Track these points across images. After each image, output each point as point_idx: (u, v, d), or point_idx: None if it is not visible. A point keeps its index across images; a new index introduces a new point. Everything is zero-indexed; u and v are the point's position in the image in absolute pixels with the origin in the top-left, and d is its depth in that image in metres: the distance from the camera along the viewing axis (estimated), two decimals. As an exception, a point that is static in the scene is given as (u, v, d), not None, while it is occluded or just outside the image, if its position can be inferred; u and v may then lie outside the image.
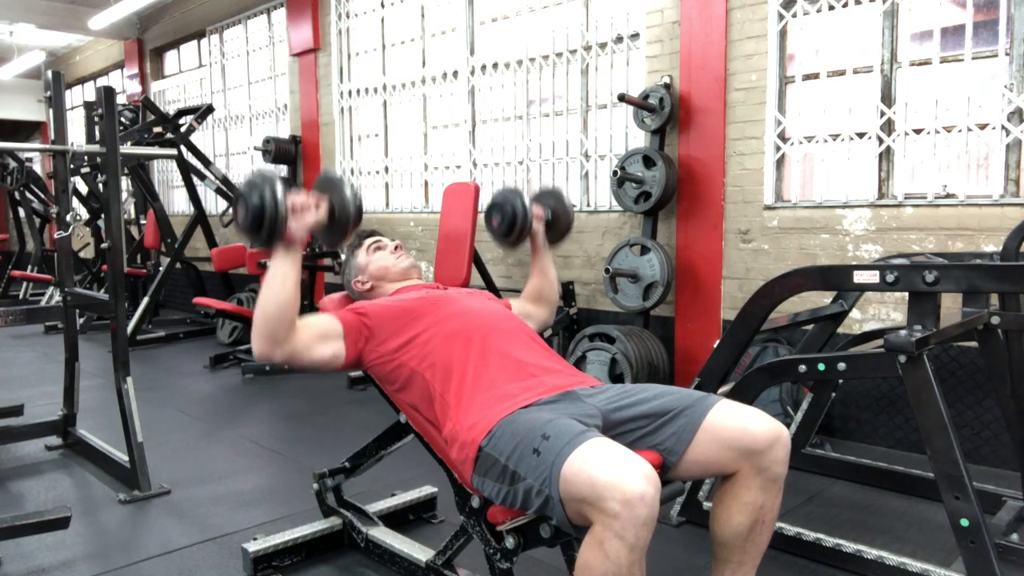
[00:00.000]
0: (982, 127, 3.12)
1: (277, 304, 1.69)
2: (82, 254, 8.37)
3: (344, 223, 1.81)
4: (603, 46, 4.40)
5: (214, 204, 7.48)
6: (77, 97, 10.58)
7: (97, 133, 6.34)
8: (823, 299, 3.09)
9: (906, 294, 1.88)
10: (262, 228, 1.67)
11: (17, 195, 7.87)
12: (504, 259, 4.94)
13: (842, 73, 3.50)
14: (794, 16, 3.60)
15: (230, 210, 6.33)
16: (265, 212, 1.66)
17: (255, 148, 6.91)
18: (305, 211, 1.73)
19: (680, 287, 3.98)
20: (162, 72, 9.01)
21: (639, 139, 4.19)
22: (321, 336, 1.80)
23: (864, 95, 3.42)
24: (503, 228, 2.13)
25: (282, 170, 6.71)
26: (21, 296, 8.64)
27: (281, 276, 1.70)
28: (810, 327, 2.93)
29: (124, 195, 7.73)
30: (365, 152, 6.20)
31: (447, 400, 1.72)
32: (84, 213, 7.74)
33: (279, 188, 1.67)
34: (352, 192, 1.82)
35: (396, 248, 2.18)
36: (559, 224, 2.25)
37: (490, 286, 4.54)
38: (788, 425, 2.96)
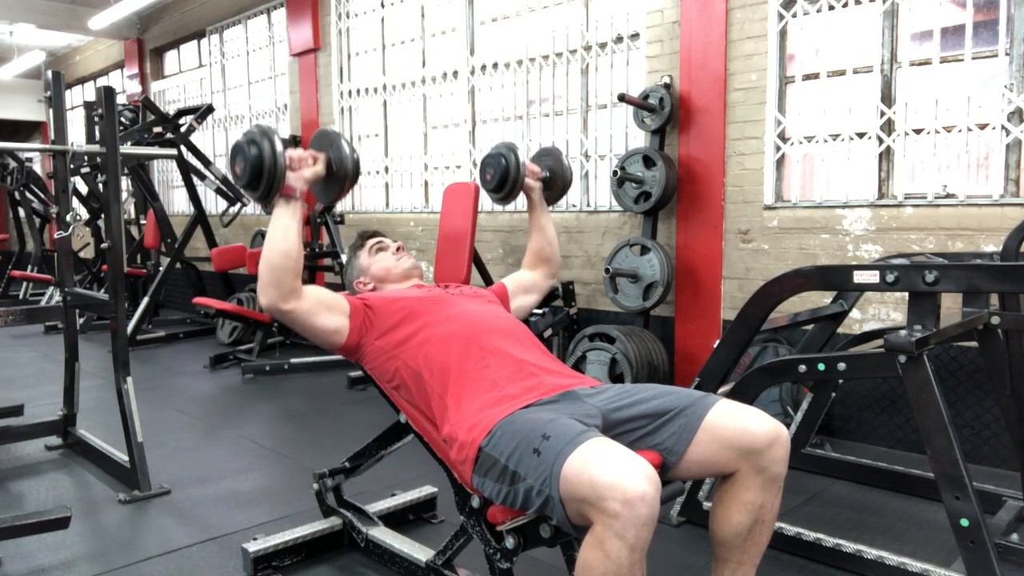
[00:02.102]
0: (982, 127, 3.12)
1: (281, 254, 1.72)
2: (82, 254, 8.37)
3: (342, 178, 1.83)
4: (603, 46, 4.40)
5: (214, 204, 7.48)
6: (77, 97, 10.59)
7: (97, 133, 6.34)
8: (823, 299, 3.09)
9: (906, 294, 1.88)
10: (261, 181, 1.69)
11: (17, 195, 7.87)
12: (504, 259, 4.94)
13: (842, 73, 3.50)
14: (794, 16, 3.60)
15: (231, 210, 6.34)
16: (264, 164, 1.68)
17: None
18: (303, 164, 1.77)
19: (680, 287, 3.98)
20: (162, 72, 9.01)
21: (639, 139, 4.20)
22: (328, 306, 1.84)
23: (864, 95, 3.42)
24: (495, 182, 2.18)
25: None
26: (21, 296, 8.64)
27: (283, 228, 1.74)
28: (810, 327, 2.94)
29: (124, 195, 7.73)
30: (365, 152, 6.19)
31: (445, 401, 1.73)
32: (84, 213, 7.74)
33: (277, 141, 1.69)
34: (350, 148, 1.83)
35: (398, 249, 2.19)
36: (556, 182, 2.30)
37: (489, 285, 4.53)
38: (788, 425, 2.96)
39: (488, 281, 4.58)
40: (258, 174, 1.69)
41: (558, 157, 2.33)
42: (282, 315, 1.77)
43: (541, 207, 2.28)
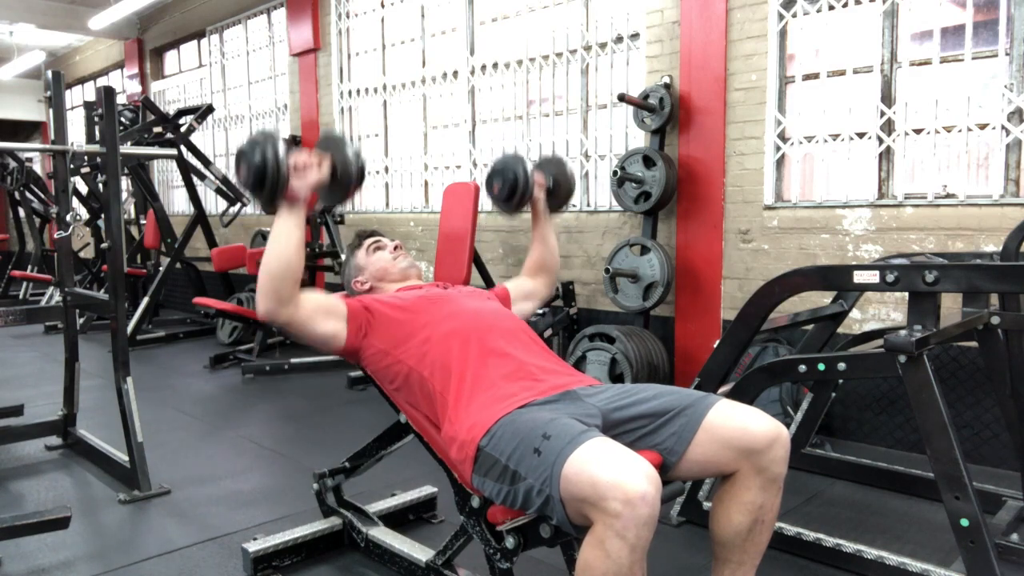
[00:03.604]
0: (982, 127, 3.12)
1: (280, 262, 1.71)
2: (82, 254, 8.37)
3: (347, 182, 1.82)
4: (603, 46, 4.40)
5: (214, 204, 7.48)
6: (77, 97, 10.59)
7: (97, 133, 6.34)
8: (823, 299, 3.09)
9: (906, 294, 1.88)
10: (264, 186, 1.69)
11: (17, 195, 7.87)
12: (504, 259, 4.94)
13: (842, 73, 3.50)
14: (794, 16, 3.60)
15: (231, 210, 6.34)
16: (267, 170, 1.67)
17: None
18: (307, 169, 1.75)
19: (680, 287, 3.98)
20: (162, 72, 9.02)
21: (639, 139, 4.20)
22: (325, 311, 1.83)
23: (864, 95, 3.42)
24: (504, 194, 2.16)
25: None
26: (21, 296, 8.64)
27: (285, 234, 1.73)
28: (810, 327, 2.94)
29: (124, 195, 7.73)
30: (365, 152, 6.18)
31: (446, 399, 1.72)
32: (84, 213, 7.74)
33: (280, 146, 1.69)
34: (355, 151, 1.82)
35: (396, 248, 2.19)
36: (560, 191, 2.28)
37: (490, 286, 4.53)
38: (788, 425, 2.96)
39: (488, 281, 4.58)
40: (261, 180, 1.68)
41: (561, 165, 2.29)
42: (279, 323, 1.76)
43: (545, 217, 2.26)
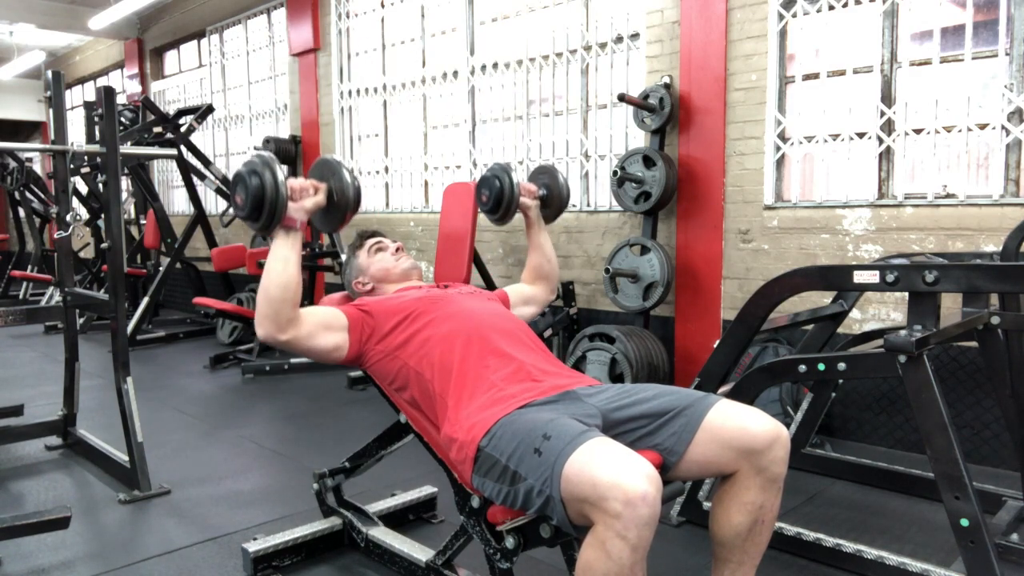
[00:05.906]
0: (982, 127, 3.12)
1: (279, 287, 1.70)
2: (82, 254, 8.37)
3: (343, 207, 1.81)
4: (603, 46, 4.40)
5: (214, 204, 7.49)
6: (77, 97, 10.59)
7: (97, 133, 6.34)
8: (823, 299, 3.09)
9: (906, 294, 1.88)
10: (262, 212, 1.68)
11: (17, 195, 7.86)
12: (504, 259, 4.94)
13: (842, 73, 3.50)
14: (794, 16, 3.60)
15: (230, 209, 6.33)
16: (265, 195, 1.66)
17: (255, 148, 6.92)
18: (304, 195, 1.75)
19: (680, 287, 3.98)
20: (162, 72, 9.01)
21: (639, 139, 4.20)
22: (325, 326, 1.82)
23: (864, 95, 3.42)
24: (490, 203, 2.25)
25: (284, 169, 6.71)
26: (21, 296, 8.64)
27: (283, 259, 1.72)
28: (810, 327, 2.94)
29: (124, 195, 7.73)
30: (365, 152, 6.20)
31: (446, 400, 1.73)
32: (84, 213, 7.74)
33: (279, 172, 1.68)
34: (351, 177, 1.81)
35: (397, 250, 2.19)
36: (553, 200, 2.35)
37: (490, 286, 4.54)
38: (788, 425, 2.96)
39: (488, 281, 4.58)
40: (259, 205, 1.67)
41: (554, 175, 2.36)
42: (279, 345, 1.75)
43: (539, 225, 2.31)
